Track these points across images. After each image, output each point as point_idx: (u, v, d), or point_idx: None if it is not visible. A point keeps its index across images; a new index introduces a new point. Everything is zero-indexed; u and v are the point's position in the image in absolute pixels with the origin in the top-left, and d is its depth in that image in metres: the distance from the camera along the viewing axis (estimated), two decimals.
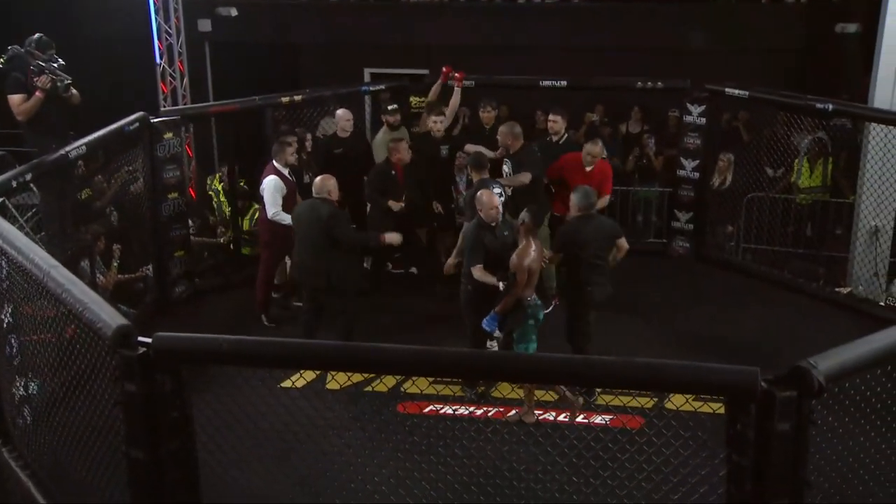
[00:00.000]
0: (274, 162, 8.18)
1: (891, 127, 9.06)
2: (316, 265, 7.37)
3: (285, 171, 8.20)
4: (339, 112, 9.32)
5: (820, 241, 10.37)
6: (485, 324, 6.68)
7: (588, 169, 8.34)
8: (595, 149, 8.39)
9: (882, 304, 9.05)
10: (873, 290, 9.39)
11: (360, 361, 3.87)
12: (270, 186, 8.03)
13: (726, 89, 9.50)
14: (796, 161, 10.30)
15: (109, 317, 4.03)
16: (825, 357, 3.50)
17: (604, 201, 8.34)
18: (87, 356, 4.62)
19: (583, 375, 3.70)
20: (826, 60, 12.99)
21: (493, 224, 6.92)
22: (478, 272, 6.81)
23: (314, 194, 7.47)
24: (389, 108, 9.52)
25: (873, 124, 9.26)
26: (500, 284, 6.71)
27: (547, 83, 9.79)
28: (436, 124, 8.98)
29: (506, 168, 8.35)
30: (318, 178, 7.59)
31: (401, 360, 3.76)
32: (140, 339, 3.87)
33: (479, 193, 7.12)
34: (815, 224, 10.40)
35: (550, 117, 8.91)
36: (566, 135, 8.94)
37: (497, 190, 7.57)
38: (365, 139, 9.94)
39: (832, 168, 10.29)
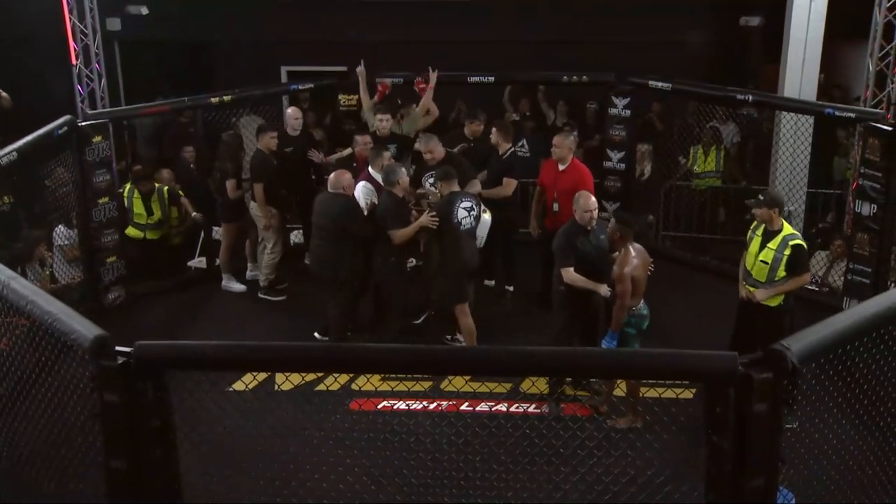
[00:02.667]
0: (369, 168, 8.11)
1: (801, 115, 9.51)
2: (327, 257, 7.56)
3: (378, 178, 7.99)
4: (290, 111, 9.34)
5: (734, 228, 10.77)
6: (603, 343, 6.48)
7: (562, 167, 8.26)
8: (559, 139, 8.28)
9: (814, 287, 9.41)
10: None
11: (344, 361, 3.90)
12: (359, 192, 7.94)
13: (650, 82, 9.77)
14: (692, 148, 10.70)
15: (84, 327, 3.96)
16: (796, 339, 3.68)
17: None
18: (32, 366, 4.52)
19: (569, 367, 3.79)
20: (731, 52, 13.45)
21: (588, 228, 6.89)
22: (567, 275, 6.75)
23: (329, 189, 7.63)
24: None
25: (784, 113, 9.67)
26: (603, 288, 6.66)
27: (475, 79, 9.89)
28: (381, 122, 8.92)
29: (431, 181, 8.24)
30: (333, 174, 7.72)
31: (386, 359, 3.80)
32: (118, 348, 3.83)
33: (577, 195, 7.05)
34: (727, 210, 10.81)
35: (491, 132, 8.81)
36: (511, 148, 8.83)
37: (467, 203, 7.56)
38: (313, 137, 9.95)
39: (724, 154, 10.72)
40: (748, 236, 7.01)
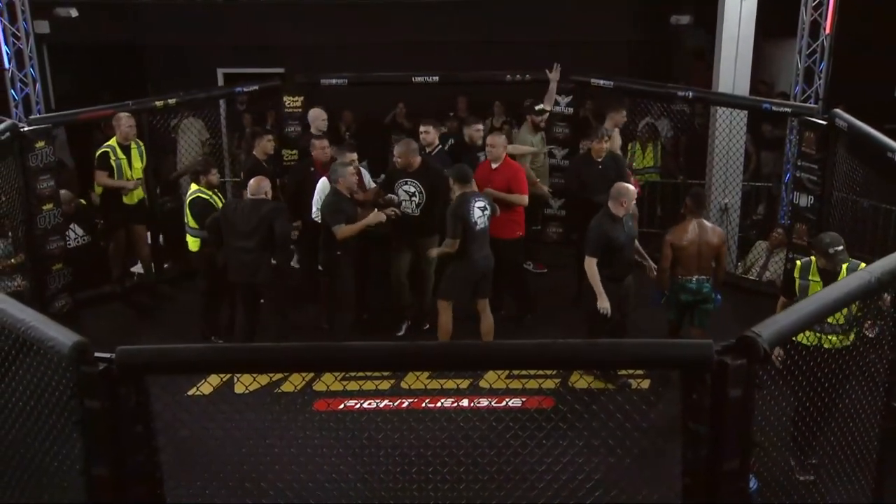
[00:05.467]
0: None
1: (735, 110, 9.79)
2: (258, 261, 7.43)
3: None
4: (315, 111, 9.31)
5: (673, 222, 11.01)
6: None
7: (495, 166, 8.23)
8: (494, 139, 8.30)
9: (754, 277, 9.70)
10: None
11: (328, 361, 3.92)
12: (319, 188, 8.03)
13: (592, 80, 9.94)
14: (629, 145, 10.91)
15: (61, 334, 3.93)
16: (765, 326, 3.80)
17: (519, 199, 8.19)
18: None
19: (549, 358, 3.85)
20: (662, 50, 13.77)
21: (622, 216, 7.11)
22: (589, 266, 7.02)
23: (250, 195, 7.53)
24: (536, 108, 9.36)
25: (719, 108, 9.94)
26: (604, 304, 6.96)
27: (419, 79, 9.94)
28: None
29: (411, 188, 8.06)
30: (252, 180, 7.59)
31: (371, 356, 3.82)
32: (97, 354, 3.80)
33: (618, 187, 7.14)
34: (664, 205, 11.05)
35: (422, 128, 8.82)
36: (439, 146, 8.88)
37: (481, 203, 7.48)
38: (338, 137, 9.93)
39: (661, 150, 10.97)
40: (798, 284, 6.19)
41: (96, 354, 3.78)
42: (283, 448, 5.70)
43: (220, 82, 13.25)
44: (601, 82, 9.93)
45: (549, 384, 6.73)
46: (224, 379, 6.50)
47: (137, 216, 9.11)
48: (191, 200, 8.12)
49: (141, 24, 13.13)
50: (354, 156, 8.19)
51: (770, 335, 3.76)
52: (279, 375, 6.66)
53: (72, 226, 9.04)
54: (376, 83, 10.66)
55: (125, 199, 8.85)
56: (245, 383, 6.21)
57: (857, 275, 4.29)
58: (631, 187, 7.22)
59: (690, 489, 3.80)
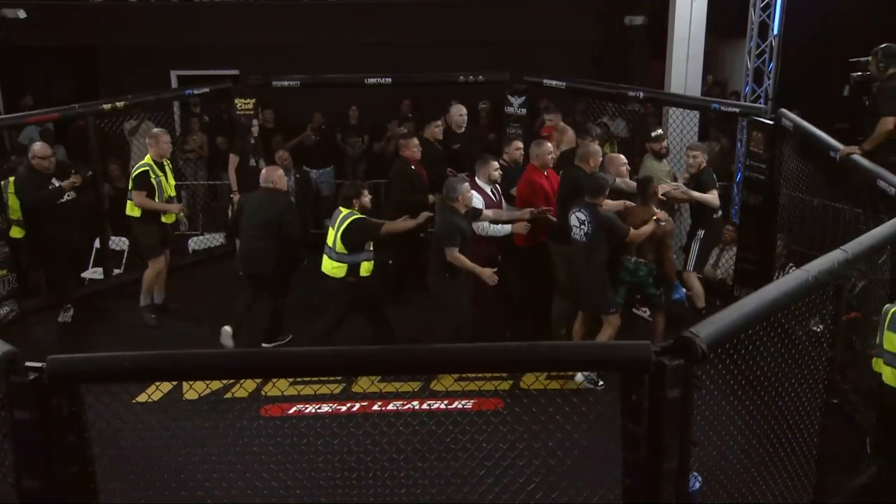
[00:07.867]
0: (476, 178, 7.85)
1: (686, 110, 9.87)
2: (264, 251, 7.62)
3: (487, 189, 7.82)
4: (455, 107, 9.46)
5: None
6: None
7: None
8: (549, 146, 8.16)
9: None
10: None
11: (264, 368, 3.88)
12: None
13: (544, 80, 9.96)
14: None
15: None
16: (705, 326, 3.82)
17: None
18: None
19: (491, 361, 3.84)
20: (616, 50, 13.84)
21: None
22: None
23: (262, 183, 7.79)
24: (654, 134, 9.03)
25: (671, 109, 10.01)
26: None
27: (372, 80, 9.92)
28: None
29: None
30: (265, 169, 7.93)
31: (304, 362, 3.79)
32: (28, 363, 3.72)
33: (610, 157, 8.07)
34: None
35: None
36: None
37: (581, 215, 7.17)
38: (476, 138, 9.93)
39: (617, 150, 10.99)
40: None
41: (28, 364, 3.72)
42: (221, 454, 5.62)
43: (174, 84, 13.12)
44: (553, 82, 9.94)
45: (504, 386, 6.70)
46: (174, 384, 6.39)
47: (174, 235, 9.03)
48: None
49: (93, 25, 12.96)
50: (497, 165, 7.94)
51: (708, 335, 3.77)
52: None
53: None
54: (329, 85, 10.62)
55: (164, 218, 8.54)
56: (197, 390, 6.17)
57: (794, 274, 4.32)
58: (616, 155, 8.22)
59: (630, 490, 3.80)
